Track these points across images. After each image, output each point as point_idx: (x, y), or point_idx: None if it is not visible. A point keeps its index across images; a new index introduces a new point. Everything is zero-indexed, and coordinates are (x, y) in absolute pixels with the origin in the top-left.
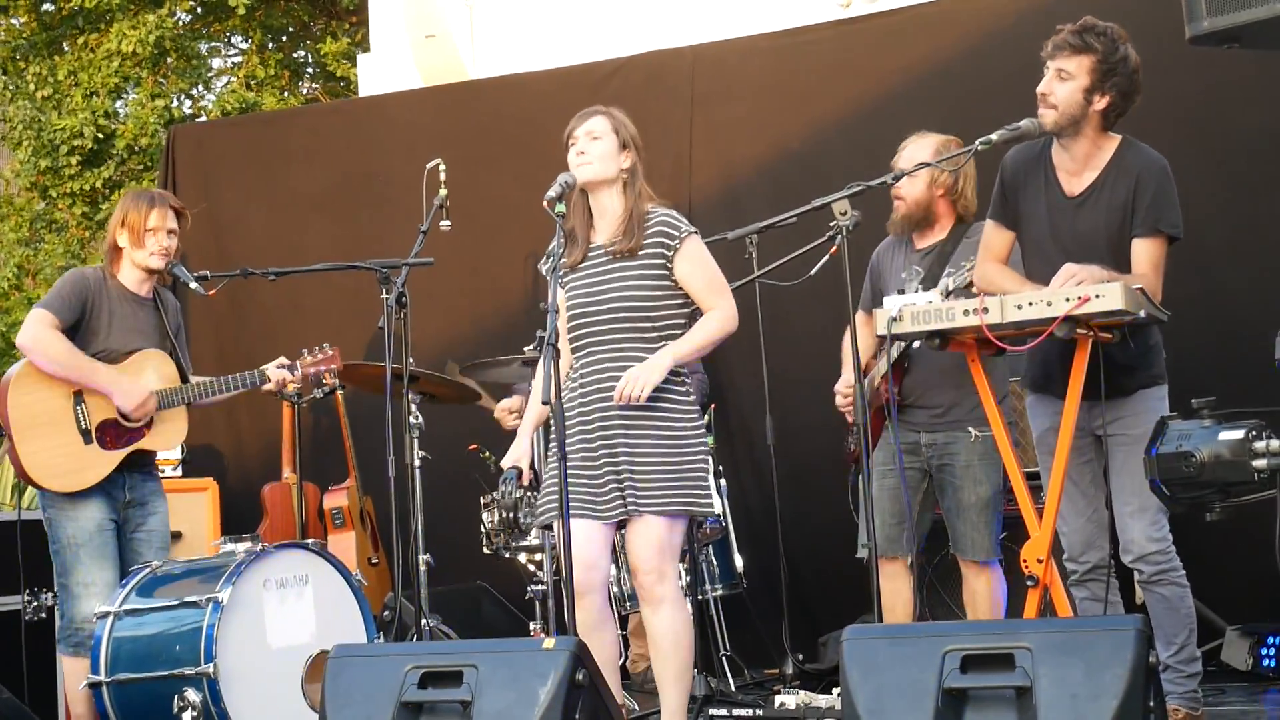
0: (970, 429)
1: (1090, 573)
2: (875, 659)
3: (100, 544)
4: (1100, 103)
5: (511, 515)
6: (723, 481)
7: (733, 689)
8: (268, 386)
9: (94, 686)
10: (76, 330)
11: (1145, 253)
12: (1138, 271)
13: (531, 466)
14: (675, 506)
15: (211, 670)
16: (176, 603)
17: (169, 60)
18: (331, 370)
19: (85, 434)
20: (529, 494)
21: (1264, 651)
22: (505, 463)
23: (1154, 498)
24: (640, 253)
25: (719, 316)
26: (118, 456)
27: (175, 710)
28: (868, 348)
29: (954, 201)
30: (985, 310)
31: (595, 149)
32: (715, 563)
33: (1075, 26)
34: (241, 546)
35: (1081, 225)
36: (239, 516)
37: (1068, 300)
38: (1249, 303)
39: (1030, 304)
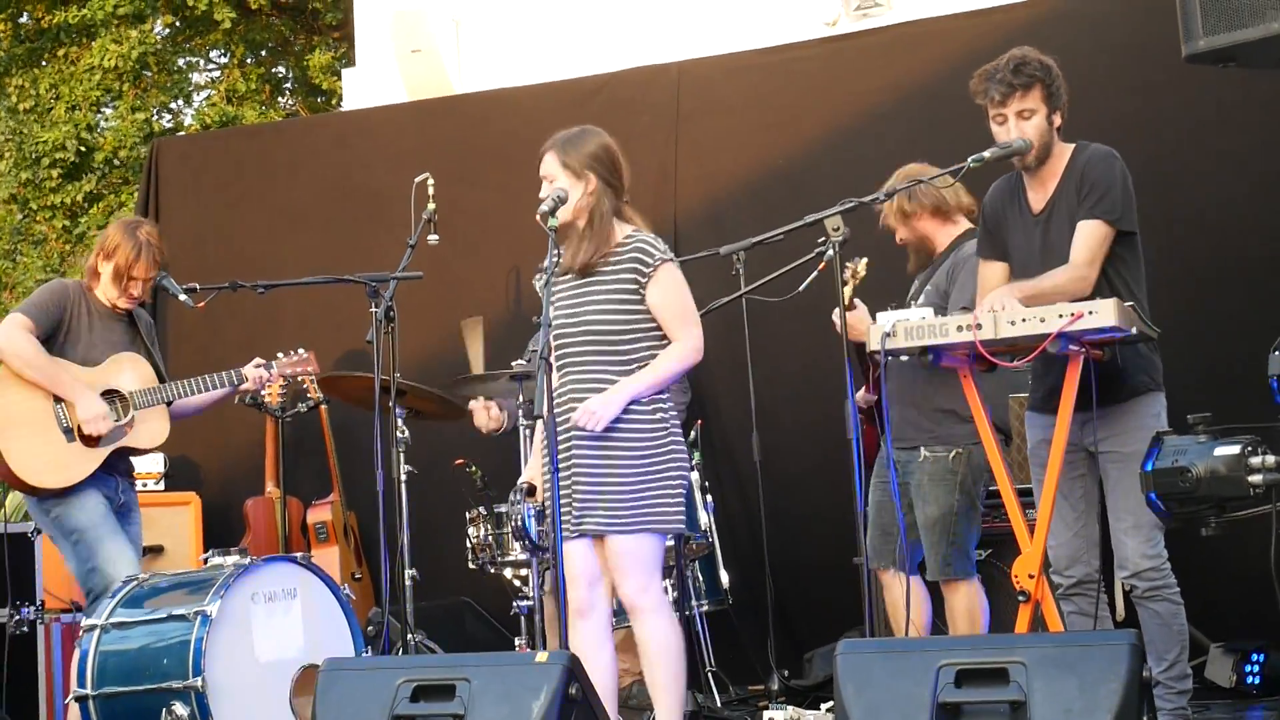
0: (921, 449)
1: (1076, 587)
2: (869, 673)
3: (113, 524)
4: (1057, 121)
5: (520, 529)
6: (709, 497)
7: (718, 704)
8: (245, 386)
9: (80, 700)
10: (54, 339)
11: (1080, 236)
12: (1072, 259)
13: None
14: (639, 525)
15: (200, 684)
16: (164, 616)
17: (149, 74)
18: (309, 373)
19: (68, 432)
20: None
21: (1247, 668)
22: (522, 480)
23: (1149, 515)
24: (612, 275)
25: (680, 350)
26: (101, 454)
27: None
28: None
29: (933, 211)
30: (979, 326)
31: (552, 190)
32: (701, 578)
33: (1010, 65)
34: (230, 560)
35: (1050, 239)
36: (221, 531)
37: (1061, 316)
38: (1242, 319)
39: (1024, 320)
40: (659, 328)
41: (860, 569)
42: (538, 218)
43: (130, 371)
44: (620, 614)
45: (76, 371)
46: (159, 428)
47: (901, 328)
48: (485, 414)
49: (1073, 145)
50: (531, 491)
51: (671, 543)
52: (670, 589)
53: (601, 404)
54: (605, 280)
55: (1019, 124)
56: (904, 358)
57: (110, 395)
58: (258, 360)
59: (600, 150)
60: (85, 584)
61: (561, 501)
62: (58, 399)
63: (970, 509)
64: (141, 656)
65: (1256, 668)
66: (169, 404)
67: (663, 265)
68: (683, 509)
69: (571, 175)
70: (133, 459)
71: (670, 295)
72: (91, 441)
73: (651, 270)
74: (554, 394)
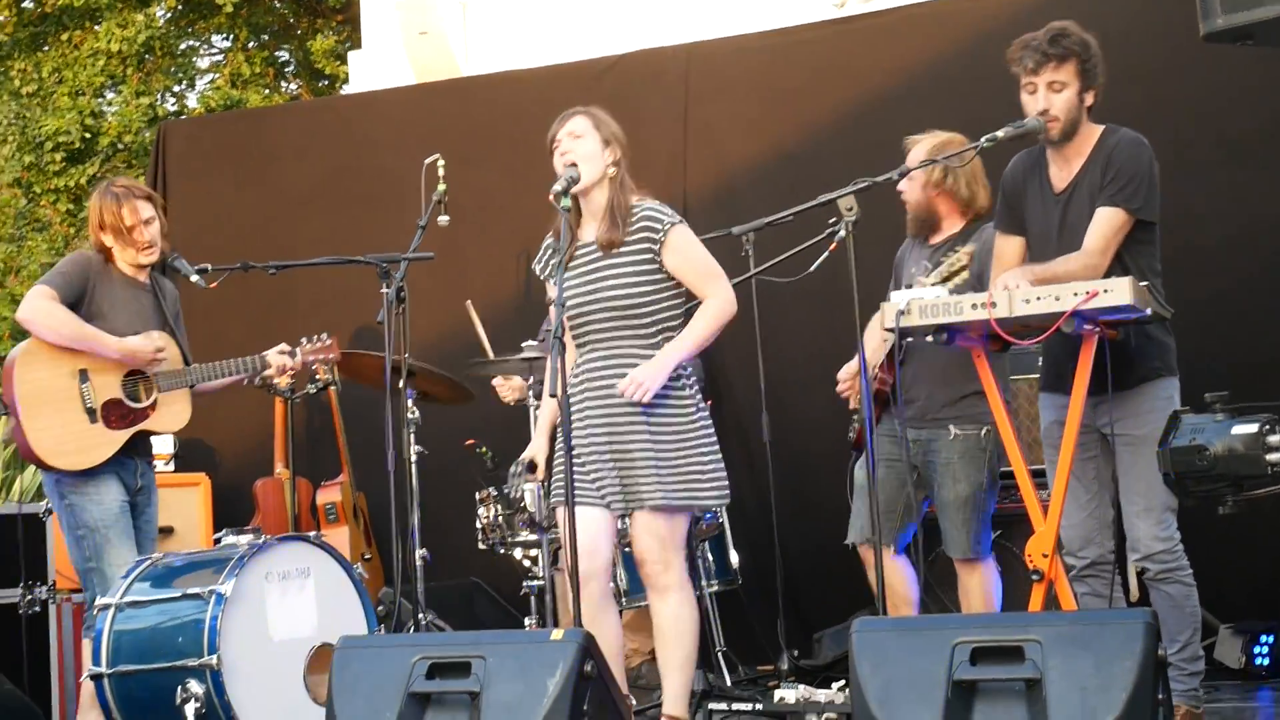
0: (950, 427)
1: (1089, 568)
2: (885, 651)
3: (125, 525)
4: (1089, 99)
5: (520, 506)
6: None
7: (728, 684)
8: (268, 372)
9: (95, 679)
10: (78, 308)
11: (1097, 222)
12: (1085, 246)
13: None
14: (675, 501)
15: (215, 662)
16: (179, 595)
17: (152, 58)
18: (329, 359)
19: (90, 413)
20: (540, 486)
21: (1256, 650)
22: (524, 456)
23: (1161, 497)
24: (628, 248)
25: (715, 304)
26: (122, 437)
27: (178, 702)
28: (885, 346)
29: (956, 198)
30: (993, 304)
31: (579, 149)
32: (711, 559)
33: (1047, 36)
34: (243, 539)
35: (1070, 218)
36: (231, 512)
37: (1075, 295)
38: (1257, 300)
39: (1038, 299)
40: (677, 295)
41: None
42: (550, 197)
43: (157, 338)
44: (630, 594)
45: (107, 334)
46: (181, 410)
47: (916, 306)
48: (507, 386)
49: (1102, 127)
50: (533, 468)
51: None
52: None
53: (647, 374)
54: (622, 254)
55: (1048, 95)
56: (928, 338)
57: (134, 376)
58: (282, 346)
59: (619, 130)
60: (83, 579)
61: (601, 474)
62: (84, 378)
63: (993, 487)
64: (156, 635)
65: (1266, 649)
66: (192, 387)
67: (673, 228)
68: (717, 482)
69: (600, 141)
70: (154, 440)
71: (690, 255)
72: (114, 424)
73: (663, 235)
74: (571, 373)
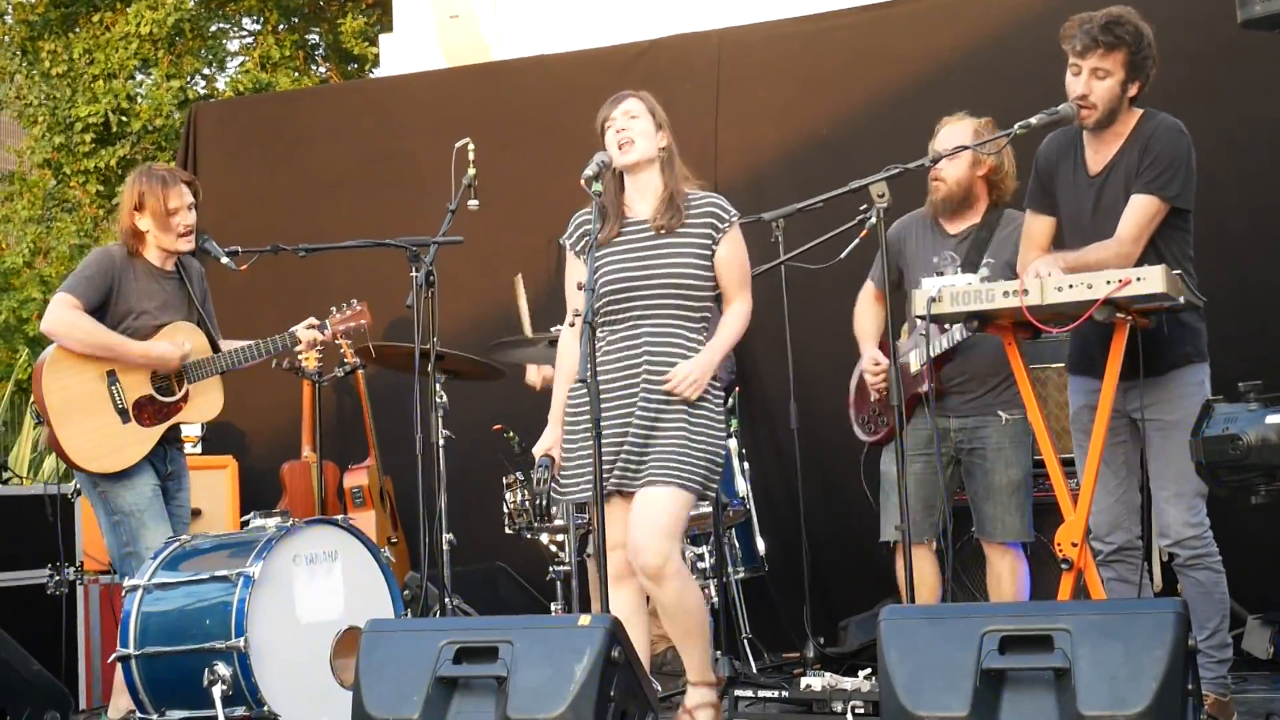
0: (1000, 413)
1: (1116, 554)
2: (913, 639)
3: (159, 508)
4: (1133, 89)
5: (545, 502)
6: (746, 465)
7: (754, 671)
8: (299, 349)
9: (123, 660)
10: (105, 310)
11: (1131, 210)
12: (1119, 234)
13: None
14: (693, 482)
15: (242, 644)
16: (207, 577)
17: (182, 41)
18: (361, 326)
19: (123, 413)
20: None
21: None
22: (538, 450)
23: (1191, 483)
24: (687, 231)
25: (744, 311)
26: (157, 433)
27: (205, 683)
28: (878, 324)
29: (992, 184)
30: (1026, 292)
31: (636, 127)
32: (738, 545)
33: (1101, 21)
34: (271, 522)
35: (1104, 202)
36: (257, 494)
37: (1108, 283)
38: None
39: (1070, 286)
40: (716, 286)
41: (893, 542)
42: (581, 181)
43: (184, 343)
44: None
45: (131, 341)
46: (214, 399)
47: (948, 293)
48: (537, 372)
49: (1140, 111)
50: (554, 464)
51: (709, 508)
52: (708, 555)
53: (698, 371)
54: (684, 236)
55: (1090, 80)
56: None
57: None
58: (310, 320)
59: (665, 115)
60: (120, 564)
61: (619, 459)
62: (113, 379)
63: (1033, 473)
64: (184, 617)
65: None
66: (222, 374)
67: (734, 224)
68: (716, 477)
69: (654, 123)
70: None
71: (739, 255)
72: (146, 421)
73: (726, 228)
74: (614, 349)
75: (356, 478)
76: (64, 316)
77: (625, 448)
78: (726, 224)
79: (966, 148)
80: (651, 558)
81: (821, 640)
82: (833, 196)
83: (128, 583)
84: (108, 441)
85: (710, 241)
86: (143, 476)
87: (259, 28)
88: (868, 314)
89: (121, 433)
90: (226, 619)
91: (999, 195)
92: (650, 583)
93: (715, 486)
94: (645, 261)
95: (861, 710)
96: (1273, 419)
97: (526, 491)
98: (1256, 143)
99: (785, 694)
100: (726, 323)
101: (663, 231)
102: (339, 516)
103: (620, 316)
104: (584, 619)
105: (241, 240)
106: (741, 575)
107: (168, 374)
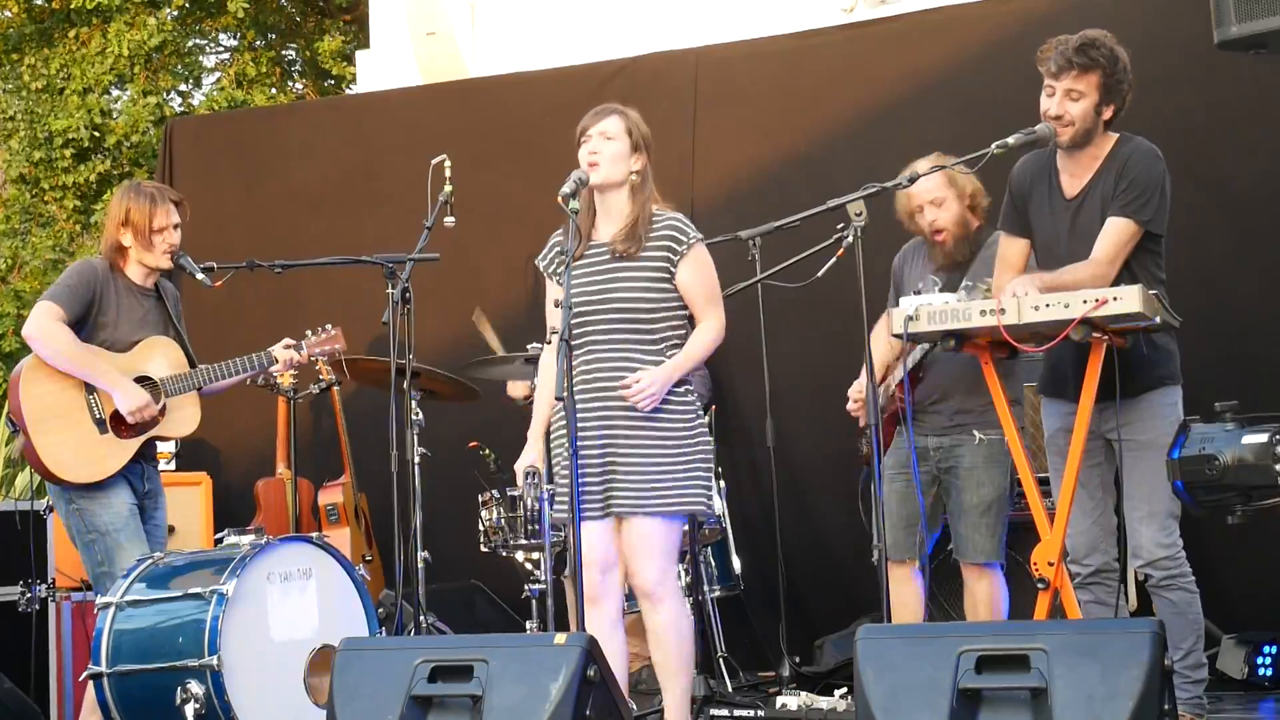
0: (975, 432)
1: (1094, 576)
2: (890, 658)
3: (135, 527)
4: (1107, 113)
5: (534, 516)
6: (722, 483)
7: (729, 690)
8: (275, 368)
9: (95, 678)
10: (84, 322)
11: (1107, 233)
12: (1094, 256)
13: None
14: (672, 507)
15: (215, 663)
16: (180, 594)
17: (159, 57)
18: (335, 350)
19: (100, 424)
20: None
21: (1259, 660)
22: (519, 465)
23: (1164, 503)
24: (644, 255)
25: (714, 329)
26: (134, 445)
27: (178, 702)
28: (891, 352)
29: (975, 208)
30: (1003, 311)
31: (607, 150)
32: (713, 564)
33: (1076, 43)
34: (246, 539)
35: (1080, 225)
36: (232, 512)
37: (1085, 302)
38: (1259, 309)
39: (1047, 305)
40: (683, 307)
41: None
42: (559, 199)
43: (162, 357)
44: (631, 598)
45: (110, 359)
46: (191, 414)
47: (925, 312)
48: (520, 386)
49: (1116, 135)
50: (540, 478)
51: (686, 528)
52: (683, 574)
53: (654, 381)
54: (640, 260)
55: (1064, 101)
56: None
57: (141, 382)
58: (287, 341)
59: (649, 134)
60: (95, 582)
61: (585, 482)
62: (90, 390)
63: (1011, 493)
64: (157, 635)
65: (1269, 659)
66: (199, 389)
67: (695, 245)
68: (708, 492)
69: (629, 146)
70: (158, 443)
71: (702, 276)
72: (124, 433)
73: (685, 250)
74: (574, 374)
75: (331, 495)
76: (46, 326)
77: (600, 469)
78: (686, 245)
79: (940, 167)
80: (650, 572)
81: (797, 659)
82: (810, 215)
83: (100, 600)
84: (86, 452)
85: (668, 265)
86: (120, 495)
87: (236, 44)
88: (875, 341)
89: (99, 443)
90: (200, 637)
91: (983, 216)
92: (647, 602)
93: (705, 501)
94: (598, 286)
95: None
96: (1249, 439)
97: (502, 509)
98: (1233, 165)
99: (761, 713)
100: (693, 339)
101: (619, 256)
102: (314, 534)
103: (581, 341)
104: (560, 638)
105: (217, 256)
106: (717, 594)
107: (143, 388)
